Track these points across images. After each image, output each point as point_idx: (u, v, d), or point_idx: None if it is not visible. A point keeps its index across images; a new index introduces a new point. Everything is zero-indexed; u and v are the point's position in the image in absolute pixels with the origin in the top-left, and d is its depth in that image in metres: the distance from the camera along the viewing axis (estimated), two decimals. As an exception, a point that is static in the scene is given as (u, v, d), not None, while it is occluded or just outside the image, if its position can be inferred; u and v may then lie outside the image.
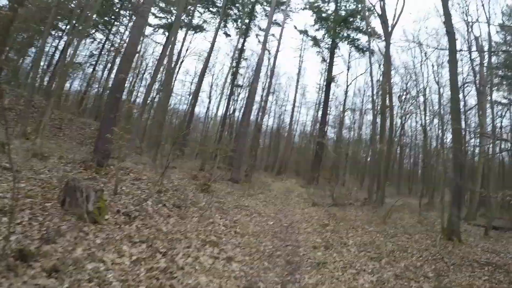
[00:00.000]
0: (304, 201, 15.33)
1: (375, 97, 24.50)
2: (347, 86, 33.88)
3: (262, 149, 39.45)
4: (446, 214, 10.71)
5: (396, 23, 20.67)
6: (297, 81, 37.30)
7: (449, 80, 11.49)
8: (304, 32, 33.70)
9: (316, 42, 32.33)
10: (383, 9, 21.06)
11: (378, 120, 21.19)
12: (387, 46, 20.39)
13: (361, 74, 40.07)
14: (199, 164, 19.03)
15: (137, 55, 23.90)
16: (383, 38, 21.52)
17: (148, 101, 24.38)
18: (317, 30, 32.12)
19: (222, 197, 11.79)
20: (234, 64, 31.46)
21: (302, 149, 39.78)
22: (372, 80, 22.61)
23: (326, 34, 31.18)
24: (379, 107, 22.23)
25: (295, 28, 33.44)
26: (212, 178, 13.86)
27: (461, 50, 17.55)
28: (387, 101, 20.08)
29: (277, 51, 24.88)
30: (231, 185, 16.30)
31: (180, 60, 28.82)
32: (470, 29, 20.72)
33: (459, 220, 10.40)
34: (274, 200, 14.48)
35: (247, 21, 31.49)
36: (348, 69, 33.98)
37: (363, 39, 30.07)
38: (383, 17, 20.91)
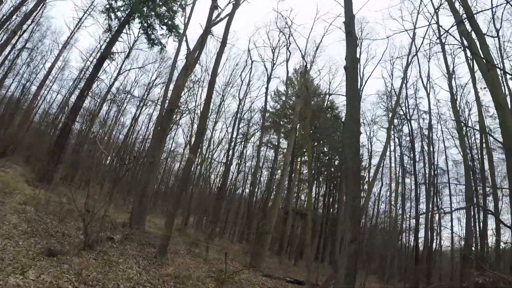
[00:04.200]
0: (27, 235, 7.55)
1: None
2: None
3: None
4: None
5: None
6: (64, 45, 29.09)
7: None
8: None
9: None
10: None
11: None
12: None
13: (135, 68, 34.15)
14: None
15: None
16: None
17: None
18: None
19: None
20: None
21: (41, 131, 30.66)
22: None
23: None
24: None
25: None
26: None
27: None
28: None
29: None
30: None
31: None
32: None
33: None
34: None
35: None
36: (126, 57, 28.82)
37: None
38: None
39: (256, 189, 31.10)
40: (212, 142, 30.45)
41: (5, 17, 18.29)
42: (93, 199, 9.11)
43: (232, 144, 29.17)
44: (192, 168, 28.46)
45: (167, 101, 16.73)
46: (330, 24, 34.81)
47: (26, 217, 9.06)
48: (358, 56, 9.01)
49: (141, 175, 18.68)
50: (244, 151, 30.82)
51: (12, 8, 18.35)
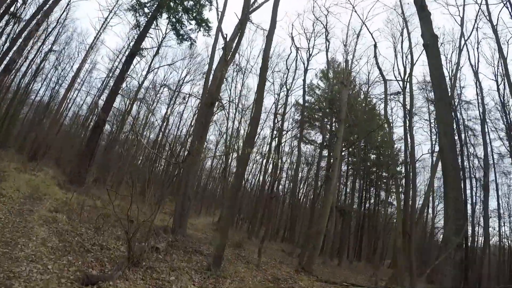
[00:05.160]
0: (58, 253, 6.10)
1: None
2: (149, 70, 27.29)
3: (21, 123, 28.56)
4: None
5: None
6: (91, 46, 28.04)
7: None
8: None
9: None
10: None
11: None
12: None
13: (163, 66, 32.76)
14: None
15: None
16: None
17: None
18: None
19: None
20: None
21: (71, 134, 29.93)
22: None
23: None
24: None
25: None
26: None
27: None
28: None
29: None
30: None
31: None
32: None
33: None
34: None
35: None
36: (155, 54, 27.65)
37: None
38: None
39: (297, 186, 29.30)
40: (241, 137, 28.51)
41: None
42: (136, 205, 7.62)
43: (271, 138, 27.50)
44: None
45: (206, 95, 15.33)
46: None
47: (57, 229, 7.67)
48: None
49: (181, 175, 17.25)
50: (280, 147, 29.01)
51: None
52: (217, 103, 14.84)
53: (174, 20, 24.45)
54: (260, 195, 25.58)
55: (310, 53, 27.60)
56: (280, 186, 30.82)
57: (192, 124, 28.79)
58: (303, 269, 13.24)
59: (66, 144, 26.66)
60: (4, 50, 15.61)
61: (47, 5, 14.21)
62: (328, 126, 28.11)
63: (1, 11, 17.74)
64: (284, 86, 28.55)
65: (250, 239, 20.45)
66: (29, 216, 8.12)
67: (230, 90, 27.83)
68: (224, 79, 17.21)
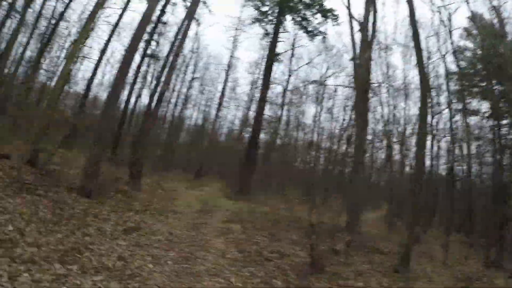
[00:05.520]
0: (239, 264, 5.93)
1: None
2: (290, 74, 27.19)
3: (181, 146, 31.94)
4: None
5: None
6: (228, 65, 29.61)
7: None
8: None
9: (258, 8, 24.90)
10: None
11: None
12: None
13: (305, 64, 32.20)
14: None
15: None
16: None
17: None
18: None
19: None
20: (149, 30, 23.11)
21: (229, 150, 32.07)
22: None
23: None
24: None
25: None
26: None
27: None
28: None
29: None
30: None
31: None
32: None
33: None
34: (168, 246, 6.28)
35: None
36: (292, 56, 27.29)
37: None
38: None
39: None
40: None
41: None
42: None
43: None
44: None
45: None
46: None
47: (233, 239, 7.73)
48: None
49: (352, 169, 16.45)
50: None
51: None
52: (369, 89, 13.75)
53: (299, 19, 24.40)
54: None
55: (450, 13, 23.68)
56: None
57: (345, 118, 27.54)
58: (493, 264, 11.09)
59: (226, 159, 28.66)
60: (153, 87, 17.56)
61: (178, 41, 15.30)
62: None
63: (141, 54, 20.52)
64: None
65: (424, 232, 18.38)
66: (204, 229, 8.36)
67: (377, 72, 25.89)
68: (370, 62, 15.90)
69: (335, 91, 26.96)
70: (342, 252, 7.81)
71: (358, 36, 14.76)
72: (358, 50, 14.58)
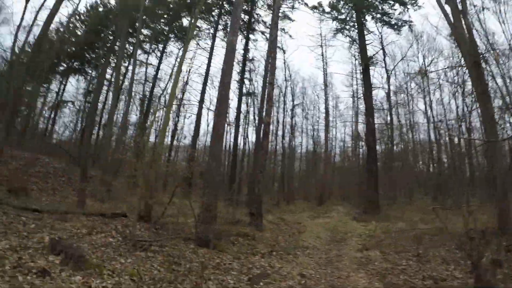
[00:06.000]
0: None
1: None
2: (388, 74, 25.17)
3: (297, 175, 31.75)
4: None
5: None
6: (325, 84, 28.86)
7: None
8: (318, 8, 25.48)
9: (336, 18, 24.62)
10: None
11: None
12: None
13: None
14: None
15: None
16: None
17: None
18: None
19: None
20: (238, 70, 24.10)
21: (346, 169, 30.60)
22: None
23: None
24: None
25: (306, 5, 24.96)
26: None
27: None
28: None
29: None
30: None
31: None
32: None
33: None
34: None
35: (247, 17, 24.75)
36: (384, 55, 25.34)
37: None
38: None
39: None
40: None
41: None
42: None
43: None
44: None
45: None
46: None
47: (375, 269, 6.70)
48: None
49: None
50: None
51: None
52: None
53: (379, 16, 23.44)
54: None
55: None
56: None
57: (458, 105, 24.20)
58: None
59: (345, 178, 27.41)
60: (257, 123, 17.99)
61: (268, 72, 15.24)
62: None
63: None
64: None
65: None
66: (339, 263, 7.60)
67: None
68: (472, 30, 13.61)
69: (440, 78, 23.90)
70: (503, 261, 6.19)
71: (447, 9, 12.88)
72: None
